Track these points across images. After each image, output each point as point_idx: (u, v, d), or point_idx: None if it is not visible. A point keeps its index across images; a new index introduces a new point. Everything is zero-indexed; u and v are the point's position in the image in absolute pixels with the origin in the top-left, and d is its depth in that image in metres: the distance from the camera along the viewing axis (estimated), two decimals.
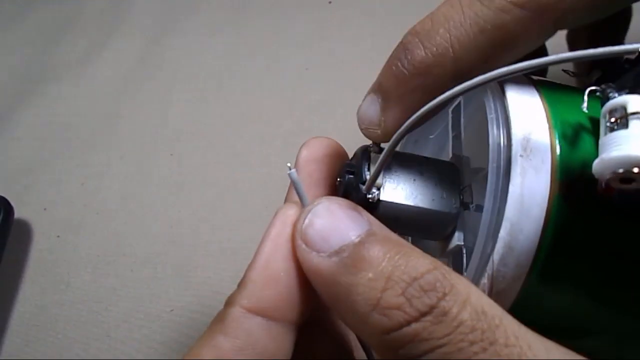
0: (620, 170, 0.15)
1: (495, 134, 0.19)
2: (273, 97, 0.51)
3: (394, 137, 0.19)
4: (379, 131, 0.21)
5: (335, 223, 0.17)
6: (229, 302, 0.19)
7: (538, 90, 0.20)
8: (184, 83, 0.53)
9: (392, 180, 0.20)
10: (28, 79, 0.54)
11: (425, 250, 0.17)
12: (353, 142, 0.47)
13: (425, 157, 0.21)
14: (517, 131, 0.18)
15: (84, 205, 0.44)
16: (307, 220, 0.18)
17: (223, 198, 0.44)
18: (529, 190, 0.18)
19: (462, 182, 0.21)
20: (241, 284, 0.19)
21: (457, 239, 0.20)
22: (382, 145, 0.21)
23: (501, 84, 0.20)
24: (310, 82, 0.52)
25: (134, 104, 0.51)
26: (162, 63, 0.55)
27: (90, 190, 0.45)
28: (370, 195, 0.20)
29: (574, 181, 0.18)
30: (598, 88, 0.18)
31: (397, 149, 0.20)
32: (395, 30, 0.58)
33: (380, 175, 0.20)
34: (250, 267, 0.19)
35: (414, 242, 0.24)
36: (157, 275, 0.40)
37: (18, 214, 0.42)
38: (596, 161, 0.16)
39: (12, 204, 0.42)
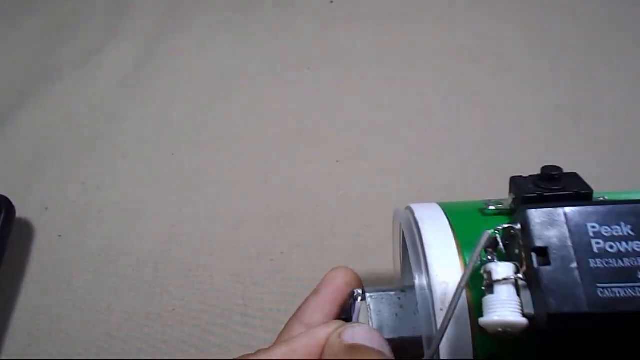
0: (499, 329, 0.20)
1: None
2: (274, 96, 0.51)
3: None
4: None
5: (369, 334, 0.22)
6: None
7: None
8: (185, 82, 0.53)
9: (377, 319, 0.24)
10: (29, 78, 0.54)
11: None
12: (352, 139, 0.47)
13: (402, 288, 0.25)
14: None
15: (85, 204, 0.44)
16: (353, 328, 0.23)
17: (224, 197, 0.44)
18: None
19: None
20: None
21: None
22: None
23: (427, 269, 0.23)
24: (312, 81, 0.52)
25: (135, 103, 0.51)
26: (164, 62, 0.55)
27: (91, 189, 0.45)
28: None
29: None
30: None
31: None
32: (396, 29, 0.58)
33: (368, 317, 0.24)
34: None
35: None
36: (159, 274, 0.40)
37: (19, 213, 0.42)
38: (480, 320, 0.20)
39: (14, 203, 0.42)
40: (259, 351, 0.23)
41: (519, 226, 0.20)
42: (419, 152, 0.45)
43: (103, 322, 0.38)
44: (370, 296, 0.24)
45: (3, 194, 0.42)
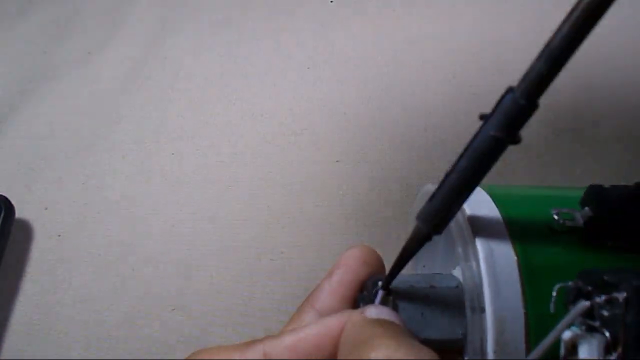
0: None
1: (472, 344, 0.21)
2: (274, 96, 0.51)
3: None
4: None
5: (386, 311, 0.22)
6: None
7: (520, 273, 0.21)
8: (185, 82, 0.53)
9: (401, 316, 0.22)
10: (29, 78, 0.54)
11: None
12: (352, 139, 0.47)
13: (431, 285, 0.23)
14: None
15: (85, 204, 0.44)
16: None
17: (224, 197, 0.44)
18: None
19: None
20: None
21: (465, 356, 0.22)
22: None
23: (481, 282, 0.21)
24: (312, 81, 0.51)
25: (135, 103, 0.51)
26: (163, 62, 0.55)
27: (91, 189, 0.45)
28: None
29: None
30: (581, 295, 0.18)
31: (409, 270, 0.22)
32: (396, 29, 0.58)
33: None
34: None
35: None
36: (159, 274, 0.40)
37: (19, 213, 0.42)
38: None
39: (13, 203, 0.42)
40: (266, 337, 0.22)
41: (623, 296, 0.17)
42: (419, 152, 0.45)
43: (103, 322, 0.38)
44: (396, 290, 0.23)
45: (3, 194, 0.42)
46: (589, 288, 0.18)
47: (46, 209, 0.44)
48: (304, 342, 0.21)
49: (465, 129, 0.46)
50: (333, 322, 0.21)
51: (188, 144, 0.47)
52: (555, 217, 0.21)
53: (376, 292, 0.22)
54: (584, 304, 0.18)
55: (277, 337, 0.22)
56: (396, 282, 0.23)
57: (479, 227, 0.22)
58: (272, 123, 0.48)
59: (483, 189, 0.24)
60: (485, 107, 0.19)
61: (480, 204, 0.23)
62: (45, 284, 0.40)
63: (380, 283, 0.23)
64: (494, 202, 0.23)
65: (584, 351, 0.18)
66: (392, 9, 0.57)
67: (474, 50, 0.52)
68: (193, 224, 0.42)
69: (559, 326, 0.18)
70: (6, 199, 0.41)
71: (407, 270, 0.23)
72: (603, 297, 0.17)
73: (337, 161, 0.45)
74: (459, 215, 0.23)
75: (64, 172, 0.46)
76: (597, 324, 0.18)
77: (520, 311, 0.20)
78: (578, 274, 0.19)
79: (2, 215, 0.40)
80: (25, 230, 0.43)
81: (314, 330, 0.21)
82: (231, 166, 0.46)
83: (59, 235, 0.42)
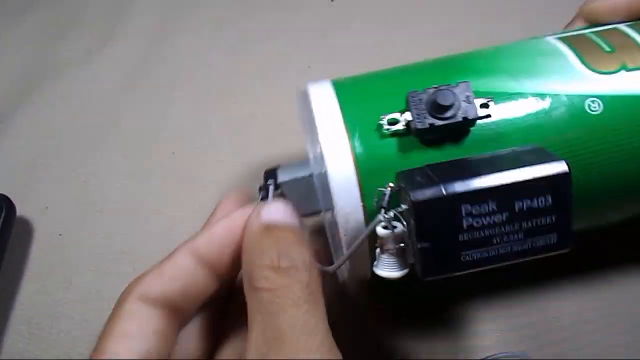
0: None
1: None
2: (275, 95, 0.51)
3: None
4: None
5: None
6: None
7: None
8: (185, 81, 0.53)
9: (289, 200, 0.28)
10: (30, 77, 0.55)
11: None
12: None
13: (309, 174, 0.30)
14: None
15: (85, 203, 0.44)
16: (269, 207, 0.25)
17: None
18: None
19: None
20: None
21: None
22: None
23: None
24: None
25: (135, 102, 0.52)
26: (164, 61, 0.55)
27: (91, 188, 0.45)
28: None
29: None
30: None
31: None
32: (396, 29, 0.58)
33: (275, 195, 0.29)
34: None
35: None
36: None
37: (20, 212, 0.42)
38: (375, 269, 0.24)
39: (14, 202, 0.42)
40: (186, 242, 0.27)
41: (406, 208, 0.22)
42: None
43: (104, 322, 0.38)
44: (285, 183, 0.30)
45: (3, 192, 0.42)
46: (399, 189, 0.23)
47: (47, 208, 0.44)
48: (217, 236, 0.26)
49: None
50: (239, 215, 0.25)
51: (188, 144, 0.48)
52: (382, 122, 0.25)
53: (268, 187, 0.28)
54: (379, 217, 0.23)
55: (192, 240, 0.27)
56: (284, 176, 0.30)
57: (325, 129, 0.26)
58: (272, 123, 0.48)
59: (331, 83, 0.30)
60: None
61: (327, 103, 0.28)
62: (46, 283, 0.40)
63: (270, 180, 0.29)
64: (339, 102, 0.28)
65: (386, 242, 0.23)
66: (392, 9, 0.57)
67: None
68: (193, 223, 0.42)
69: (365, 231, 0.23)
70: (7, 197, 0.41)
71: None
72: (401, 208, 0.22)
73: None
74: (309, 115, 0.29)
75: (65, 171, 0.46)
76: (402, 223, 0.23)
77: (359, 205, 0.25)
78: (396, 175, 0.23)
79: (2, 214, 0.40)
80: (26, 229, 0.43)
81: (223, 225, 0.26)
82: (231, 166, 0.46)
83: (60, 235, 0.42)
